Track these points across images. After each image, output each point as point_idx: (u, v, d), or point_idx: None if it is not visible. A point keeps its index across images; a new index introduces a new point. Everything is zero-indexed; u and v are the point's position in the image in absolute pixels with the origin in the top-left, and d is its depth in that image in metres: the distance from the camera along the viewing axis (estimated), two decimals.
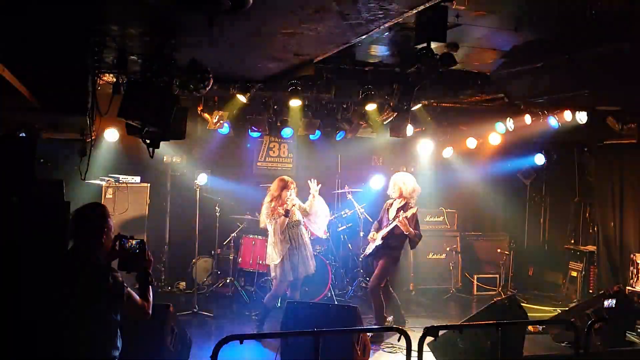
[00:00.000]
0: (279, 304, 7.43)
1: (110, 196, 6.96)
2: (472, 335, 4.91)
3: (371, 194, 8.74)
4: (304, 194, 6.78)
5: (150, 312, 3.15)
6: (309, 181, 6.62)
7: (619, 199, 8.37)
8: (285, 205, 6.33)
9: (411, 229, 6.33)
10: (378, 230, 6.66)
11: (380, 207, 6.96)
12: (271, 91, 7.02)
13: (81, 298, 2.91)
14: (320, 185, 6.62)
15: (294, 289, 6.74)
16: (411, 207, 6.43)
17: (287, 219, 6.35)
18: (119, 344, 3.06)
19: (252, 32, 4.42)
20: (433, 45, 4.76)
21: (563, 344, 6.17)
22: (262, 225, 6.70)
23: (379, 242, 6.48)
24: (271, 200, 6.44)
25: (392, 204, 6.67)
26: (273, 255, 6.42)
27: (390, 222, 6.47)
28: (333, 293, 7.86)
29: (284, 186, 6.39)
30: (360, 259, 7.12)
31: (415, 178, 8.50)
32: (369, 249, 6.63)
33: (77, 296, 2.91)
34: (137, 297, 3.09)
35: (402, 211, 6.42)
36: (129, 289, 3.05)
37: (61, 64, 4.12)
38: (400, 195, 6.54)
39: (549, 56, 5.58)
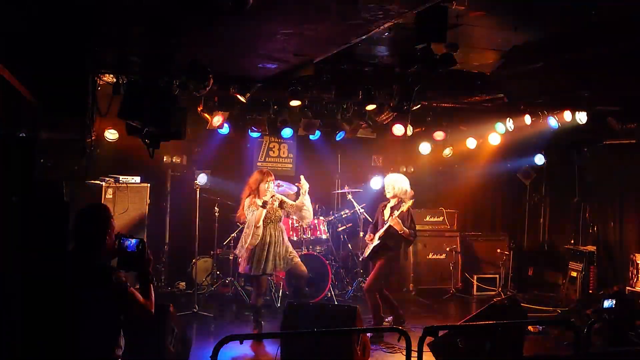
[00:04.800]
0: (278, 304, 7.45)
1: (110, 196, 6.95)
2: (472, 335, 4.91)
3: (371, 194, 8.74)
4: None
5: (153, 310, 3.16)
6: (301, 176, 6.52)
7: (619, 199, 8.38)
8: (263, 197, 6.28)
9: (405, 228, 6.32)
10: (374, 231, 6.66)
11: None
12: (271, 91, 7.02)
13: (85, 298, 2.91)
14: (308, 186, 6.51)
15: (296, 280, 6.70)
16: (409, 206, 6.42)
17: (265, 210, 6.27)
18: (122, 343, 3.07)
19: (252, 32, 4.43)
20: (433, 45, 4.77)
21: (563, 344, 6.17)
22: (240, 220, 6.65)
23: (376, 242, 6.48)
24: (249, 194, 6.38)
25: (385, 205, 6.68)
26: (242, 245, 6.36)
27: (385, 222, 6.47)
28: (333, 293, 7.85)
29: (261, 179, 6.32)
30: (360, 260, 7.11)
31: (415, 178, 8.50)
32: (367, 250, 6.62)
33: (81, 296, 2.91)
34: (140, 297, 3.09)
35: (395, 210, 6.42)
36: (131, 288, 3.05)
37: (61, 64, 4.12)
38: (394, 196, 6.54)
39: (549, 56, 5.59)
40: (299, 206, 6.48)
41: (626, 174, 8.22)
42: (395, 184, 6.54)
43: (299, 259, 6.59)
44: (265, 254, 6.28)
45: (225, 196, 8.23)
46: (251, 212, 6.29)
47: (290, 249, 6.57)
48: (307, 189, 6.40)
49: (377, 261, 6.49)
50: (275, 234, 6.37)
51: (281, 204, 6.51)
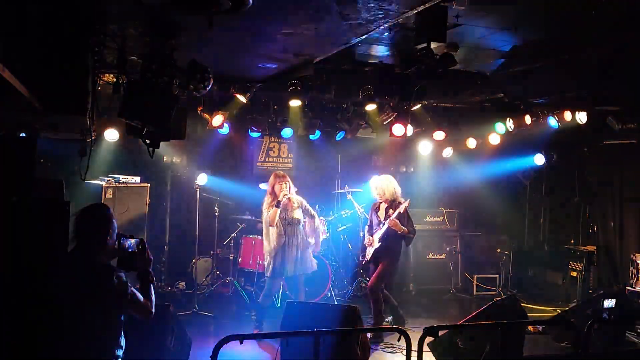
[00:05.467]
0: (278, 304, 7.45)
1: (110, 196, 6.95)
2: (472, 335, 4.91)
3: (371, 193, 8.73)
4: (303, 195, 6.79)
5: (153, 310, 3.16)
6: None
7: (619, 199, 8.37)
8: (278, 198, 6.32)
9: (404, 227, 6.33)
10: (371, 233, 6.65)
11: None
12: (271, 91, 7.02)
13: (86, 298, 2.91)
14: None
15: (294, 289, 6.72)
16: (401, 203, 6.42)
17: (279, 210, 6.31)
18: (123, 343, 3.07)
19: (252, 32, 4.42)
20: (433, 45, 4.77)
21: (563, 344, 6.17)
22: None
23: (377, 244, 6.47)
24: (268, 199, 6.45)
25: (379, 205, 6.66)
26: (266, 247, 6.46)
27: (382, 224, 6.46)
28: (333, 293, 7.86)
29: (274, 182, 6.39)
30: (362, 262, 7.09)
31: (415, 178, 8.45)
32: (369, 254, 6.61)
33: (82, 296, 2.91)
34: (141, 297, 3.09)
35: (390, 210, 6.42)
36: (132, 288, 3.05)
37: (61, 64, 4.12)
38: (385, 200, 6.54)
39: (549, 56, 5.59)
40: (309, 211, 6.59)
41: (626, 174, 8.22)
42: (385, 190, 6.52)
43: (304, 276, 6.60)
44: (281, 256, 6.30)
45: (225, 196, 8.24)
46: (267, 213, 6.33)
47: (310, 257, 6.58)
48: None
49: (379, 262, 6.48)
50: (291, 237, 6.39)
51: (301, 205, 6.56)
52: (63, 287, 2.95)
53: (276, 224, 6.32)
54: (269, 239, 6.40)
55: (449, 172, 9.65)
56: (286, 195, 6.34)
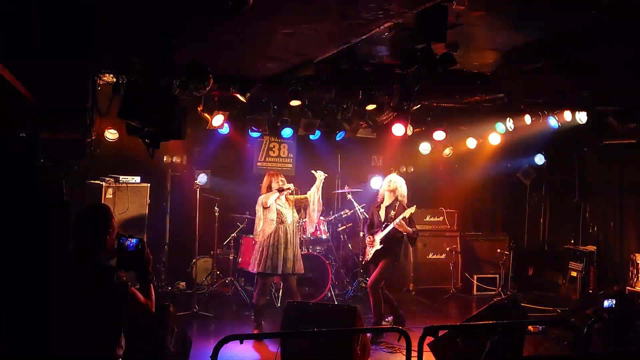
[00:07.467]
0: (278, 304, 7.45)
1: (110, 196, 6.95)
2: (472, 335, 4.91)
3: (371, 194, 8.72)
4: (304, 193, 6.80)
5: (154, 310, 3.16)
6: (313, 171, 6.56)
7: (619, 199, 8.37)
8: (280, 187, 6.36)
9: (409, 229, 6.36)
10: (371, 232, 6.65)
11: None
12: (271, 91, 7.01)
13: (86, 298, 2.91)
14: (326, 175, 6.57)
15: (287, 292, 6.67)
16: (405, 207, 6.44)
17: (277, 195, 6.32)
18: (123, 342, 3.07)
19: (253, 32, 4.43)
20: (433, 45, 4.77)
21: (563, 344, 6.17)
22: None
23: (378, 246, 6.47)
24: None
25: (379, 205, 6.67)
26: (258, 232, 6.44)
27: (385, 224, 6.46)
28: (333, 293, 7.85)
29: (270, 180, 6.44)
30: (362, 262, 7.10)
31: (415, 178, 8.44)
32: (369, 254, 6.61)
33: (82, 296, 2.91)
34: (141, 296, 3.09)
35: (392, 211, 6.43)
36: (132, 288, 3.05)
37: (61, 64, 4.12)
38: (395, 197, 6.54)
39: (549, 56, 5.59)
40: (306, 199, 6.56)
41: (626, 174, 8.22)
42: (399, 188, 6.53)
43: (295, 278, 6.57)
44: (274, 253, 6.28)
45: (225, 196, 8.24)
46: (265, 196, 6.34)
47: (300, 259, 6.54)
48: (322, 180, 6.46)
49: (379, 262, 6.49)
50: (286, 235, 6.37)
51: (296, 202, 6.59)
52: (63, 287, 2.94)
53: (270, 206, 6.29)
54: (260, 225, 6.36)
55: (449, 172, 9.65)
56: (289, 188, 6.38)
